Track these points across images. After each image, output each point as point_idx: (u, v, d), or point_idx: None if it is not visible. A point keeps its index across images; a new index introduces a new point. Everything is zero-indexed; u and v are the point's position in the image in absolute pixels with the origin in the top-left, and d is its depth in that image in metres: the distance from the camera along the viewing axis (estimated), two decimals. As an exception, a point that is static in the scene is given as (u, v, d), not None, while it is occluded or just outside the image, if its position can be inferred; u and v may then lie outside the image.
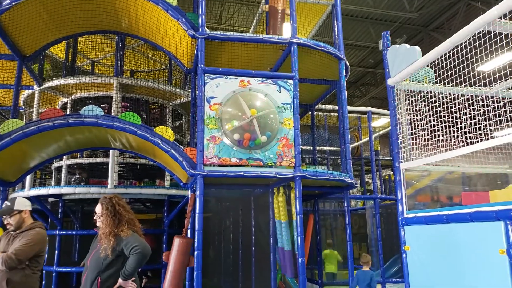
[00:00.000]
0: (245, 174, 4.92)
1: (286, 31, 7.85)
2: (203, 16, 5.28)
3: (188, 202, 5.80)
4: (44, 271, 7.29)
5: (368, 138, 9.55)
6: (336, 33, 6.20)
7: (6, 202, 3.58)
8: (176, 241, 4.88)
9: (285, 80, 5.28)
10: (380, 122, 14.57)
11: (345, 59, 6.11)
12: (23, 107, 8.00)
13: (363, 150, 11.44)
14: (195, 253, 4.71)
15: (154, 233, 7.83)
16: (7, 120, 8.26)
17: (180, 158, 4.97)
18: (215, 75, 5.14)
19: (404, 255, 3.55)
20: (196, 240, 4.74)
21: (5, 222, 3.57)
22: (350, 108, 6.74)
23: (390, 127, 8.70)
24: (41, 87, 7.17)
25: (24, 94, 7.55)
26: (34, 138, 5.00)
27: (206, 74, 5.09)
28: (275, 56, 6.00)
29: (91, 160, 7.34)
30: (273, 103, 5.21)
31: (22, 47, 5.93)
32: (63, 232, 7.33)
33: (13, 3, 4.92)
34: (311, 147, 7.95)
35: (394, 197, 10.08)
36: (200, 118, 4.99)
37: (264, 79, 5.25)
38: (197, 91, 5.20)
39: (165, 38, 6.00)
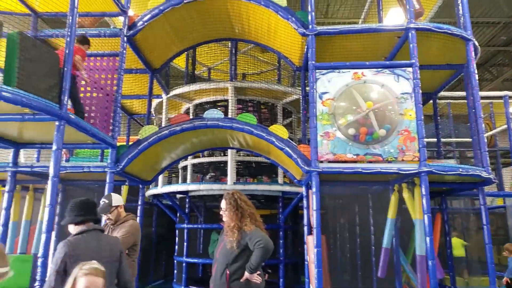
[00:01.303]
0: (363, 171, 4.75)
1: (393, 16, 7.38)
2: (313, 13, 5.26)
3: (305, 199, 5.86)
4: (175, 261, 8.11)
5: (507, 126, 8.38)
6: (460, 12, 5.58)
7: (103, 200, 3.95)
8: (310, 239, 4.97)
9: (403, 68, 4.95)
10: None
11: (474, 39, 5.46)
12: (154, 114, 9.01)
13: (497, 140, 10.06)
14: (315, 250, 4.72)
15: (270, 228, 8.07)
16: (142, 126, 9.41)
17: (294, 155, 5.04)
18: (327, 70, 5.08)
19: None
20: (315, 238, 4.74)
21: (105, 218, 4.00)
22: (481, 93, 5.99)
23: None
24: (168, 95, 7.98)
25: (154, 102, 8.49)
26: (166, 141, 5.58)
27: (317, 70, 5.06)
28: (390, 44, 5.67)
29: (212, 159, 7.89)
30: (391, 94, 4.92)
31: (152, 61, 6.68)
32: (190, 226, 8.05)
33: (145, 23, 5.57)
34: (435, 139, 7.32)
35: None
36: (312, 114, 4.98)
37: (379, 69, 5.00)
38: (307, 88, 5.19)
39: (275, 39, 6.15)
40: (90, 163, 5.49)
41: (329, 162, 4.91)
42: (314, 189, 4.85)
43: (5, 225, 5.32)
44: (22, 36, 3.67)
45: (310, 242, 5.05)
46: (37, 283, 3.63)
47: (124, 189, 5.84)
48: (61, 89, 4.01)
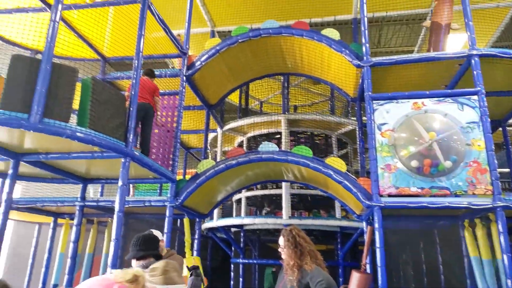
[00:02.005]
0: (429, 205, 4.48)
1: (450, 44, 7.11)
2: (367, 45, 5.23)
3: (365, 234, 5.60)
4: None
5: None
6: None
7: None
8: (355, 276, 4.70)
9: (467, 96, 4.71)
10: None
11: (544, 63, 5.11)
12: (209, 147, 9.26)
13: None
14: (379, 289, 4.45)
15: (329, 265, 7.76)
16: (198, 159, 9.66)
17: (354, 189, 4.88)
18: (384, 101, 4.96)
19: None
20: (380, 277, 4.48)
21: None
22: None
23: None
24: (222, 130, 8.19)
25: (209, 136, 8.74)
26: (222, 175, 5.66)
27: (374, 101, 4.96)
28: (450, 72, 5.46)
29: (266, 192, 7.87)
30: (455, 123, 4.68)
31: (208, 98, 6.93)
32: (245, 261, 7.97)
33: (203, 63, 5.84)
34: (506, 170, 6.80)
35: None
36: (371, 146, 4.84)
37: (441, 98, 4.81)
38: (364, 118, 5.08)
39: (329, 71, 6.16)
40: (151, 197, 5.67)
41: (391, 196, 4.70)
42: (376, 225, 4.63)
43: (73, 257, 5.58)
44: (94, 81, 3.97)
45: (354, 278, 4.70)
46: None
47: (186, 222, 5.94)
48: (127, 127, 4.24)
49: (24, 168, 4.58)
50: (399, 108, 4.89)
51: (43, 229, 8.17)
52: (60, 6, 3.61)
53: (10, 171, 4.26)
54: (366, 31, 5.31)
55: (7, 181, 4.32)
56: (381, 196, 4.68)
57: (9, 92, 3.32)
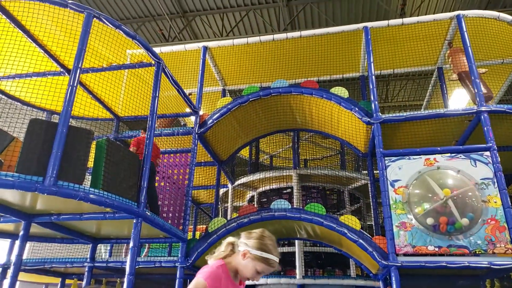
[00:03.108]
0: (448, 265, 4.31)
1: (459, 98, 7.22)
2: (376, 102, 5.33)
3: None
4: None
5: None
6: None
7: None
8: None
9: (480, 152, 4.69)
10: None
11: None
12: (219, 202, 9.19)
13: None
14: None
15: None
16: (208, 215, 9.54)
17: (369, 248, 4.73)
18: (396, 157, 4.95)
19: None
20: None
21: None
22: None
23: None
24: (233, 185, 8.17)
25: (220, 192, 8.70)
26: (234, 234, 5.56)
27: (386, 158, 4.96)
28: (460, 128, 5.49)
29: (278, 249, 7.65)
30: (469, 179, 4.62)
31: (219, 154, 7.00)
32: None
33: (214, 121, 5.98)
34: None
35: None
36: (385, 204, 4.76)
37: (453, 154, 4.78)
38: (375, 174, 5.04)
39: (338, 127, 6.23)
40: (161, 258, 5.54)
41: (408, 255, 4.54)
42: (394, 286, 4.43)
43: (80, 321, 5.38)
44: (109, 142, 4.06)
45: None
46: None
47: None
48: (139, 188, 4.26)
49: (34, 228, 4.55)
50: (411, 164, 4.87)
51: (49, 289, 8.01)
52: (78, 72, 3.78)
53: (21, 233, 4.24)
54: (375, 89, 5.43)
55: (17, 243, 4.28)
56: (397, 255, 4.52)
57: (26, 156, 3.38)
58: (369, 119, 5.29)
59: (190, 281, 5.68)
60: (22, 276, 6.92)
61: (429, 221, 4.50)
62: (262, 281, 6.92)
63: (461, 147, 4.97)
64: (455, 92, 7.15)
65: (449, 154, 4.80)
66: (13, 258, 4.25)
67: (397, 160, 4.93)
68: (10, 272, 4.13)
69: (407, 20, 6.06)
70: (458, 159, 4.74)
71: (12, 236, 5.24)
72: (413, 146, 5.17)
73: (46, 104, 5.91)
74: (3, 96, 5.60)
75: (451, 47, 6.08)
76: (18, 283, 8.00)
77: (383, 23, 6.10)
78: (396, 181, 4.83)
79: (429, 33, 6.17)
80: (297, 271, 6.67)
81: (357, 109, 5.39)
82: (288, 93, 5.81)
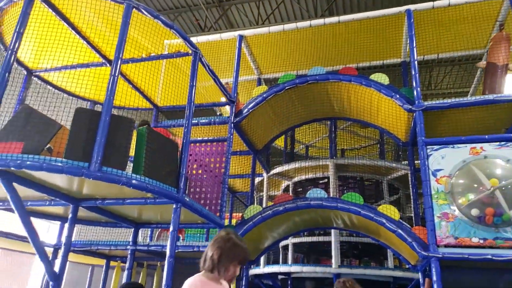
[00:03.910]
0: (494, 258, 4.13)
1: (509, 86, 6.80)
2: (418, 89, 5.13)
3: (422, 287, 5.23)
4: None
5: None
6: None
7: None
8: None
9: (531, 141, 4.42)
10: None
11: None
12: (255, 191, 9.26)
13: None
14: None
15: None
16: (243, 203, 9.65)
17: (409, 239, 4.61)
18: (439, 146, 4.76)
19: None
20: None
21: None
22: None
23: None
24: (268, 174, 8.19)
25: (255, 181, 8.75)
26: (269, 221, 5.59)
27: (428, 146, 4.78)
28: (510, 115, 5.18)
29: (313, 239, 7.64)
30: (519, 170, 4.37)
31: (255, 143, 7.03)
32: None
33: (250, 110, 5.99)
34: None
35: None
36: (426, 193, 4.61)
37: (502, 143, 4.54)
38: (416, 162, 4.88)
39: (378, 116, 6.06)
40: (200, 243, 5.68)
41: (450, 246, 4.38)
42: (435, 278, 4.31)
43: (124, 302, 5.62)
44: (149, 130, 4.18)
45: None
46: None
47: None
48: (178, 174, 4.36)
49: (81, 212, 4.80)
50: (455, 153, 4.67)
51: (95, 270, 8.43)
52: (119, 62, 3.90)
53: (69, 216, 4.48)
54: (417, 75, 5.22)
55: (66, 225, 4.54)
56: (438, 246, 4.39)
57: (72, 143, 3.55)
58: (410, 107, 5.11)
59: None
60: (71, 257, 7.32)
61: (474, 212, 4.31)
62: (297, 268, 6.95)
63: (511, 135, 4.70)
64: (507, 78, 6.74)
65: (498, 143, 4.56)
66: (63, 239, 4.52)
67: (440, 149, 4.75)
68: (60, 252, 4.37)
69: (454, 0, 5.73)
70: (507, 148, 4.49)
71: (62, 219, 5.55)
72: (457, 135, 4.94)
73: (90, 94, 6.17)
74: (50, 87, 5.89)
75: (501, 30, 5.71)
76: (67, 263, 8.54)
77: (428, 5, 5.80)
78: (438, 170, 4.66)
79: (478, 14, 5.81)
80: (333, 260, 6.62)
81: (398, 96, 5.21)
82: (326, 81, 5.71)
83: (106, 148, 3.51)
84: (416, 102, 5.07)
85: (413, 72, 5.26)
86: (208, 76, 5.42)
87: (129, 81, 5.97)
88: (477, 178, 4.41)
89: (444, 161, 4.66)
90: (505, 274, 5.50)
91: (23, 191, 3.83)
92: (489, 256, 4.15)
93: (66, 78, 5.70)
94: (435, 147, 4.75)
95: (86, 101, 6.28)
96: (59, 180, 3.76)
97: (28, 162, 3.24)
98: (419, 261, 4.99)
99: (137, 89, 6.12)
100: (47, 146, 3.72)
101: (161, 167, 4.22)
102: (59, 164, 3.30)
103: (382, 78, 5.49)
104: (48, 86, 5.85)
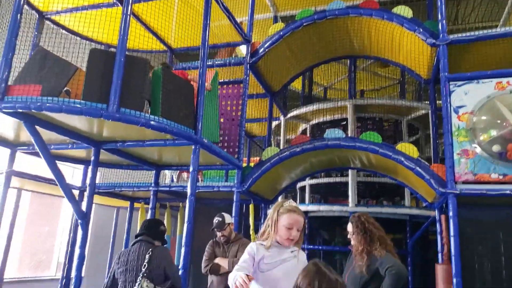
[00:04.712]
0: (512, 193, 4.11)
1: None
2: (444, 21, 4.84)
3: (438, 223, 5.32)
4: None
5: None
6: None
7: (217, 218, 4.28)
8: (441, 269, 4.53)
9: (562, 73, 4.21)
10: None
11: None
12: (272, 135, 9.29)
13: None
14: (454, 280, 4.22)
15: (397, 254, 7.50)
16: (261, 147, 9.75)
17: (427, 176, 4.61)
18: (463, 82, 4.59)
19: None
20: (453, 267, 4.24)
21: (219, 235, 4.30)
22: None
23: None
24: (286, 117, 8.15)
25: (272, 124, 8.74)
26: (286, 162, 5.65)
27: (451, 82, 4.61)
28: (541, 48, 4.90)
29: (330, 179, 7.74)
30: (546, 104, 4.21)
31: (271, 85, 6.92)
32: (310, 247, 7.94)
33: (266, 50, 5.83)
34: None
35: None
36: (447, 130, 4.53)
37: (529, 77, 4.33)
38: (438, 103, 4.75)
39: (400, 52, 5.83)
40: (219, 183, 5.84)
41: (468, 182, 4.38)
42: (451, 213, 4.36)
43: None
44: (164, 71, 4.13)
45: (440, 272, 4.54)
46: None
47: (251, 208, 6.07)
48: (196, 116, 4.37)
49: (103, 155, 4.92)
50: (479, 89, 4.50)
51: (121, 212, 8.85)
52: (131, 0, 3.78)
53: (92, 158, 4.61)
54: (443, 6, 4.90)
55: (90, 168, 4.69)
56: (456, 183, 4.38)
57: (89, 84, 3.53)
58: (434, 41, 4.86)
59: (246, 206, 6.01)
60: (96, 199, 7.68)
61: (495, 148, 4.24)
62: (314, 207, 7.12)
63: (540, 68, 4.48)
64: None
65: (525, 77, 4.36)
66: (88, 182, 4.71)
67: (464, 84, 4.58)
68: (86, 194, 4.56)
69: None
70: (535, 81, 4.30)
71: (85, 162, 5.73)
72: (483, 70, 4.73)
73: (103, 37, 6.08)
74: (64, 31, 5.82)
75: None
76: (94, 205, 8.96)
77: None
78: (460, 107, 4.53)
79: None
80: (350, 199, 6.74)
81: (421, 29, 4.95)
82: (345, 15, 5.44)
83: (122, 89, 3.50)
84: (441, 35, 4.82)
85: (438, 4, 4.95)
86: (222, 15, 5.23)
87: (142, 22, 5.84)
88: (501, 113, 4.29)
89: (467, 97, 4.52)
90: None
91: (46, 134, 3.92)
92: (508, 192, 4.14)
93: (78, 20, 5.61)
94: (459, 83, 4.58)
95: (100, 44, 6.21)
96: (78, 122, 3.82)
97: (48, 104, 3.28)
98: (436, 198, 5.02)
99: (150, 30, 5.99)
100: (65, 89, 3.75)
101: (178, 108, 4.21)
102: (78, 105, 3.33)
103: (405, 11, 5.19)
104: (61, 30, 5.78)
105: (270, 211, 2.46)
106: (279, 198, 6.85)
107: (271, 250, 2.33)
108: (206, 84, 4.91)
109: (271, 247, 2.33)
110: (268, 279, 2.25)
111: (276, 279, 2.25)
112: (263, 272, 2.27)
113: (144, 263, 3.23)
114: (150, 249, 3.33)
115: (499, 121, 4.29)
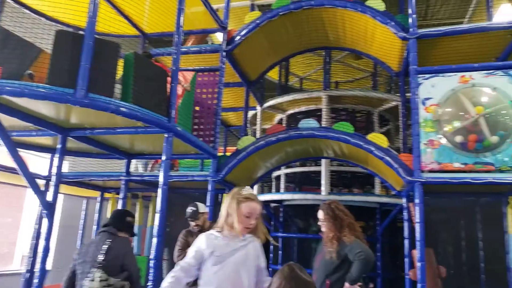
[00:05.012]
0: (472, 181, 4.32)
1: (504, 13, 6.62)
2: (414, 16, 4.96)
3: (404, 211, 5.52)
4: (270, 269, 8.18)
5: None
6: None
7: (190, 207, 4.29)
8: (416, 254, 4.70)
9: (519, 68, 4.41)
10: None
11: None
12: (248, 125, 9.31)
13: None
14: (418, 264, 4.41)
15: (368, 241, 7.72)
16: (237, 137, 9.76)
17: (395, 165, 4.77)
18: (430, 75, 4.74)
19: None
20: (418, 251, 4.43)
21: (193, 224, 4.31)
22: None
23: None
24: (262, 107, 8.19)
25: (249, 114, 8.76)
26: (262, 151, 5.69)
27: (420, 75, 4.76)
28: (502, 44, 5.12)
29: (305, 169, 7.85)
30: (504, 97, 4.43)
31: (248, 74, 6.92)
32: (285, 235, 8.07)
33: (242, 38, 5.80)
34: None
35: None
36: (415, 121, 4.68)
37: (490, 71, 4.53)
38: (407, 94, 4.90)
39: (372, 45, 5.94)
40: (194, 173, 5.83)
41: (433, 171, 4.56)
42: (417, 200, 4.54)
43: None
44: (136, 56, 4.06)
45: (416, 257, 4.75)
46: (150, 283, 3.79)
47: (225, 197, 6.08)
48: (168, 103, 4.31)
49: (71, 143, 4.73)
50: (445, 82, 4.67)
51: (91, 203, 8.58)
52: (101, -20, 3.65)
53: (58, 146, 4.41)
54: (413, 1, 5.03)
55: (56, 156, 4.43)
56: (423, 172, 4.56)
57: (55, 68, 3.35)
58: (405, 34, 4.98)
59: (221, 196, 6.02)
60: (64, 189, 7.41)
61: (458, 138, 4.43)
62: (288, 196, 7.23)
63: (500, 63, 4.70)
64: (501, 7, 6.56)
65: (486, 71, 4.55)
66: (54, 171, 4.46)
67: (431, 77, 4.73)
68: (52, 182, 4.32)
69: None
70: (495, 76, 4.49)
71: (51, 150, 5.47)
72: (449, 64, 4.91)
73: (71, 19, 5.81)
74: (27, 11, 5.53)
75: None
76: (61, 196, 8.69)
77: None
78: (428, 99, 4.69)
79: None
80: (323, 188, 6.87)
81: (393, 23, 5.06)
82: (321, 6, 5.48)
83: (91, 73, 3.34)
84: (411, 29, 4.95)
85: (409, -1, 5.07)
86: (198, 1, 5.16)
87: (114, 5, 5.67)
88: (463, 106, 4.47)
89: (434, 90, 4.68)
90: (481, 198, 5.84)
91: (7, 120, 3.73)
92: (468, 180, 4.33)
93: (44, 0, 5.35)
94: (426, 75, 4.73)
95: (67, 27, 5.93)
96: (43, 108, 3.66)
97: (8, 88, 3.09)
98: (404, 186, 5.21)
99: (122, 13, 5.83)
100: (28, 72, 3.60)
101: (151, 96, 4.12)
102: (42, 90, 3.16)
103: (378, 4, 5.29)
104: (25, 10, 5.49)
105: (226, 199, 2.44)
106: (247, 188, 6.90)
107: (224, 240, 2.32)
108: (186, 85, 4.88)
109: (225, 237, 2.33)
110: (221, 271, 2.24)
111: (229, 271, 2.24)
112: (215, 265, 2.24)
113: (101, 254, 3.19)
114: (110, 240, 3.29)
115: (462, 113, 4.47)
